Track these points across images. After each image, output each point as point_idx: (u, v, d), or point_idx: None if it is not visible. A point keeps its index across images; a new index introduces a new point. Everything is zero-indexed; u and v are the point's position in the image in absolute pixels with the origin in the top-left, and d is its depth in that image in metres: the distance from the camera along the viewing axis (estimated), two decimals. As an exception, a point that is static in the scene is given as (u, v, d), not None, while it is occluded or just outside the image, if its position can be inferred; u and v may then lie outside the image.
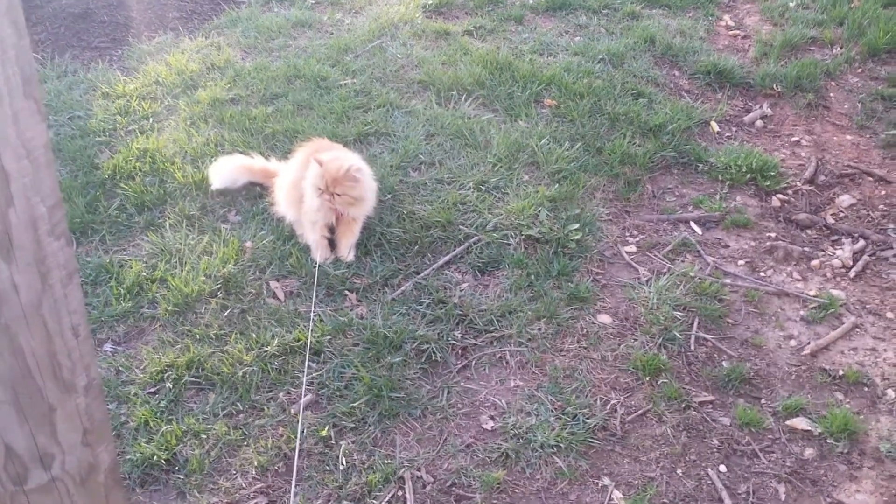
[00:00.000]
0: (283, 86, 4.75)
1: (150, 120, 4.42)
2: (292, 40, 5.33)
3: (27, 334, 1.17)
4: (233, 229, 3.67)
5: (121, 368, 3.02)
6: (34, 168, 1.11)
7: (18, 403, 1.21)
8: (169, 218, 3.72)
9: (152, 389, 2.95)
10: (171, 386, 2.94)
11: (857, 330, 3.40)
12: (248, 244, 3.58)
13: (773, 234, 3.92)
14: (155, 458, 2.69)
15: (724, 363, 3.21)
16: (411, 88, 4.81)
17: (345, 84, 4.79)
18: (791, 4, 6.08)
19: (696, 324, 3.37)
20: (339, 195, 3.34)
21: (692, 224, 3.96)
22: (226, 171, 3.85)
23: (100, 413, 1.33)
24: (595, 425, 2.90)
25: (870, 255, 3.79)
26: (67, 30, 5.39)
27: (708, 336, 3.32)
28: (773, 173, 4.27)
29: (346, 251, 3.54)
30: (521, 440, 2.83)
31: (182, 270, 3.41)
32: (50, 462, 1.29)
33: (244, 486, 2.65)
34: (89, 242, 3.61)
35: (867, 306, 3.53)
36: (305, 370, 2.95)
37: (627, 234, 3.87)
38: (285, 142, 4.15)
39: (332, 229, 3.57)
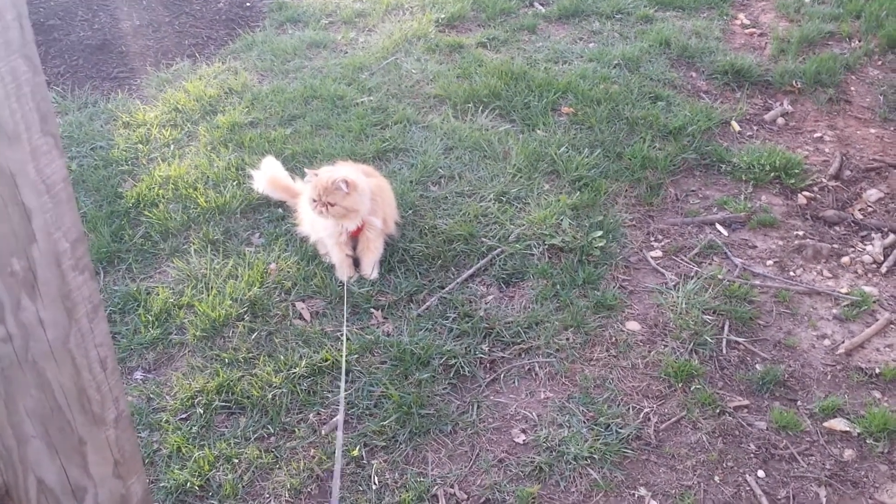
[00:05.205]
0: (301, 107, 4.77)
1: (172, 147, 4.46)
2: (308, 61, 5.36)
3: (55, 369, 1.17)
4: (257, 252, 3.68)
5: (151, 396, 3.03)
6: (55, 204, 1.11)
7: (49, 438, 1.21)
8: (194, 243, 3.75)
9: (183, 415, 2.96)
10: (201, 411, 2.95)
11: (893, 326, 3.34)
12: (273, 266, 3.59)
13: (800, 233, 3.87)
14: (188, 484, 2.69)
15: (757, 366, 3.16)
16: (427, 103, 4.81)
17: (361, 102, 4.80)
18: (806, 0, 6.02)
19: (726, 327, 3.32)
20: (331, 205, 3.32)
21: (718, 226, 3.91)
22: (266, 178, 3.94)
23: (130, 444, 1.33)
24: (629, 435, 2.87)
25: (901, 250, 3.73)
26: (86, 61, 5.46)
27: (740, 339, 3.27)
28: (797, 171, 4.21)
29: (370, 269, 3.54)
30: (554, 453, 2.80)
31: (209, 295, 3.42)
32: (82, 495, 1.29)
33: (278, 509, 2.65)
34: (116, 271, 3.64)
35: (901, 302, 3.46)
36: (342, 389, 2.94)
37: (652, 238, 3.84)
38: (305, 162, 4.16)
39: (354, 247, 3.57)
